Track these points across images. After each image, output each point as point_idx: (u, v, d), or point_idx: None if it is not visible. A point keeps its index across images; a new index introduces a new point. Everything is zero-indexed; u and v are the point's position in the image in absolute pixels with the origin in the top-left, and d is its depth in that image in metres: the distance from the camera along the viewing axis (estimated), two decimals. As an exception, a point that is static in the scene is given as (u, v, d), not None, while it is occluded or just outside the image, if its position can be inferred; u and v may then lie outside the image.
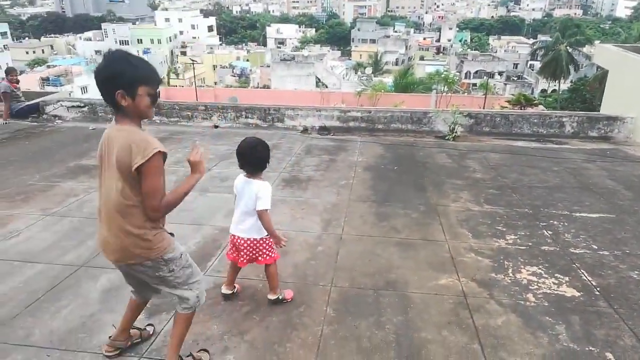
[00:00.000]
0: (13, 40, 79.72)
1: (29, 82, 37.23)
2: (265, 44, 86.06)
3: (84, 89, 40.32)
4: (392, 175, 5.79)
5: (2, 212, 4.48)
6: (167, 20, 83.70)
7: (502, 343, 2.77)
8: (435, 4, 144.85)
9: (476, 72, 54.39)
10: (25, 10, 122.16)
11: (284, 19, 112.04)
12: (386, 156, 6.64)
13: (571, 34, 41.81)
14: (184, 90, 37.74)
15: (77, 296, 3.13)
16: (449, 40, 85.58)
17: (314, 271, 3.51)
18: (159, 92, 2.16)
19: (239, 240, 2.94)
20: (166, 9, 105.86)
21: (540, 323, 2.96)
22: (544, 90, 48.70)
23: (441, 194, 5.19)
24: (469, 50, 71.62)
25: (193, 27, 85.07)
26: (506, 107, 21.43)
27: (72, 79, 43.64)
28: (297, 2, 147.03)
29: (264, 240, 2.93)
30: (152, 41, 72.41)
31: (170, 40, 75.36)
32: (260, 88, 45.29)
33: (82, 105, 8.81)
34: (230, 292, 3.13)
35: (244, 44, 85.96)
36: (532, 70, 58.05)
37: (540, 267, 3.65)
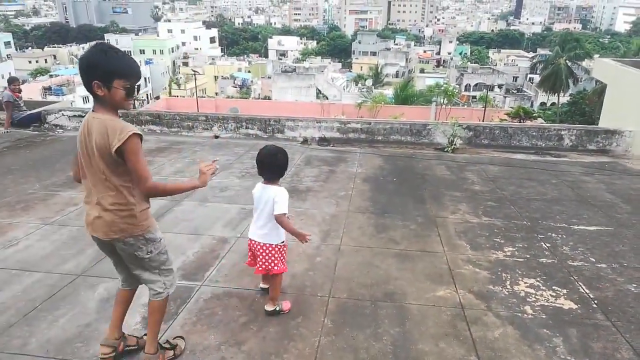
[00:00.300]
0: (16, 50, 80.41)
1: (31, 91, 37.52)
2: (266, 56, 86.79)
3: (85, 99, 40.59)
4: (391, 187, 5.81)
5: (1, 220, 4.49)
6: (169, 31, 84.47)
7: (500, 355, 2.77)
8: (435, 17, 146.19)
9: (476, 84, 54.69)
10: (30, 21, 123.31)
11: (286, 31, 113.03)
12: (385, 168, 6.66)
13: (570, 47, 42.09)
14: (186, 100, 37.96)
15: (74, 305, 3.13)
16: (449, 53, 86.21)
17: (312, 282, 3.51)
18: (138, 86, 2.29)
19: (256, 246, 3.02)
20: (169, 21, 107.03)
21: (538, 335, 2.96)
22: (543, 104, 48.97)
23: (440, 205, 5.20)
24: (468, 63, 72.03)
25: (195, 38, 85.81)
26: (505, 119, 21.52)
27: (74, 88, 43.98)
28: (299, 14, 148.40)
29: (280, 247, 3.00)
30: (154, 52, 73.05)
31: (173, 51, 76.02)
32: (261, 99, 45.52)
33: (84, 114, 8.79)
34: (267, 286, 3.22)
35: (245, 56, 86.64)
36: (532, 83, 58.40)
37: (538, 279, 3.65)
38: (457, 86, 48.93)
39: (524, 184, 6.03)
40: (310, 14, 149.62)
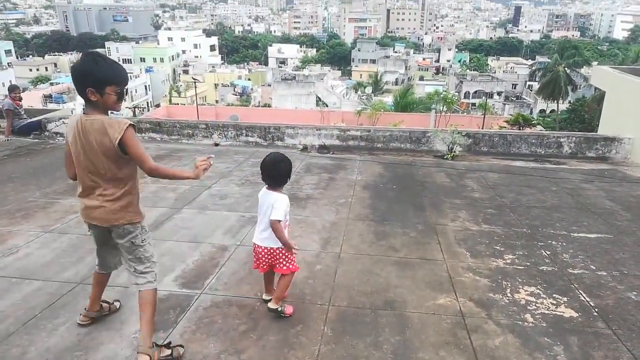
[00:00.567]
0: (17, 58, 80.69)
1: (31, 99, 37.63)
2: (266, 64, 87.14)
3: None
4: (391, 194, 5.82)
5: (2, 228, 4.49)
6: (170, 39, 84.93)
7: (500, 364, 2.76)
8: (434, 25, 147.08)
9: (475, 92, 54.90)
10: (30, 29, 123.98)
11: (286, 39, 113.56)
12: (385, 175, 6.67)
13: (569, 55, 42.31)
14: (186, 108, 38.10)
15: (74, 313, 3.11)
16: (448, 61, 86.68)
17: (312, 290, 3.51)
18: (127, 89, 2.53)
19: (258, 249, 3.08)
20: (169, 29, 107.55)
21: (538, 344, 2.95)
22: (542, 111, 49.08)
23: (440, 213, 5.20)
24: (467, 70, 72.35)
25: (195, 46, 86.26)
26: (504, 127, 21.61)
27: (75, 96, 44.01)
28: (299, 22, 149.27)
29: (281, 249, 3.02)
30: (154, 60, 73.36)
31: (173, 59, 76.35)
32: (262, 107, 45.63)
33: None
34: (270, 298, 3.20)
35: (245, 63, 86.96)
36: (531, 90, 58.58)
37: (538, 287, 3.64)
38: (457, 93, 49.14)
39: (524, 191, 6.03)
40: (309, 22, 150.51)
